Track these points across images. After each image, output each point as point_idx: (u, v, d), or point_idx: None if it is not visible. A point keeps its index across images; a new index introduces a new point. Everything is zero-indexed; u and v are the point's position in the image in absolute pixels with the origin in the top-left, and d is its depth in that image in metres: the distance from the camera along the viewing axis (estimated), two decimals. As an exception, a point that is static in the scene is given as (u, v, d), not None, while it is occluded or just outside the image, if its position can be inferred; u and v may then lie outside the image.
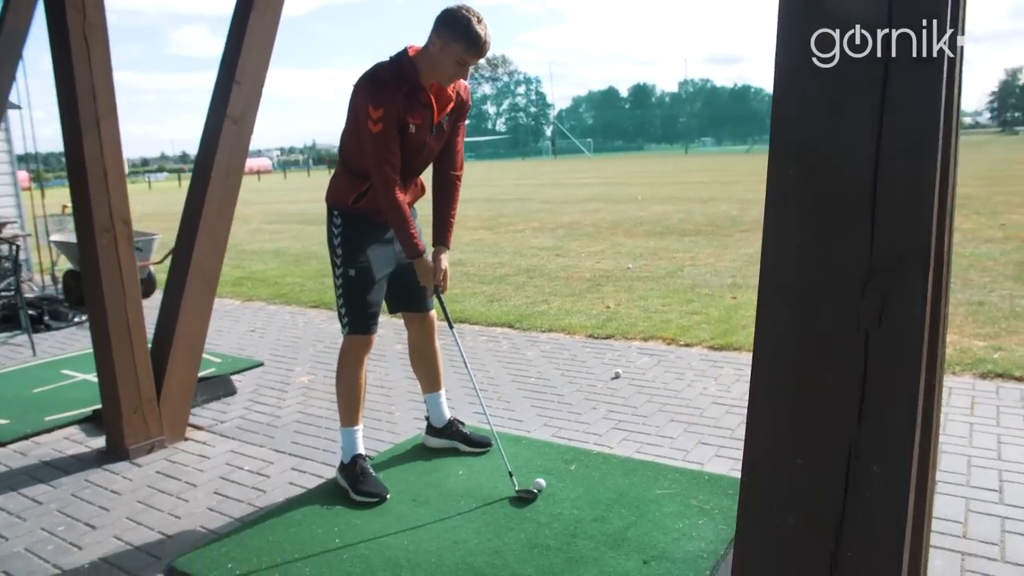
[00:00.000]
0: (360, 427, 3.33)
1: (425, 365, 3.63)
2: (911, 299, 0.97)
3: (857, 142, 1.08)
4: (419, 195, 3.42)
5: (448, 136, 3.26)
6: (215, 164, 3.89)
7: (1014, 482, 3.10)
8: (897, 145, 1.05)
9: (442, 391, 3.67)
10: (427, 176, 3.39)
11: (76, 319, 7.06)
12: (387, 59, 3.06)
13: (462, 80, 3.17)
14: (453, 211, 3.36)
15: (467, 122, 3.44)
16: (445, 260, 3.29)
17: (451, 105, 3.16)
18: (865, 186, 1.04)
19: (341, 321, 3.26)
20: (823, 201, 1.08)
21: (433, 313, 3.54)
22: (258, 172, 70.58)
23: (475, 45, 2.88)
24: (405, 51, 3.04)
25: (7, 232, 7.00)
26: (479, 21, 2.87)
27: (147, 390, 3.83)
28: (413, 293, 3.40)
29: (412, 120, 3.02)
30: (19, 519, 3.20)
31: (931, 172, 1.01)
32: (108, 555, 2.87)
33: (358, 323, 3.24)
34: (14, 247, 6.29)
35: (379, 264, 3.24)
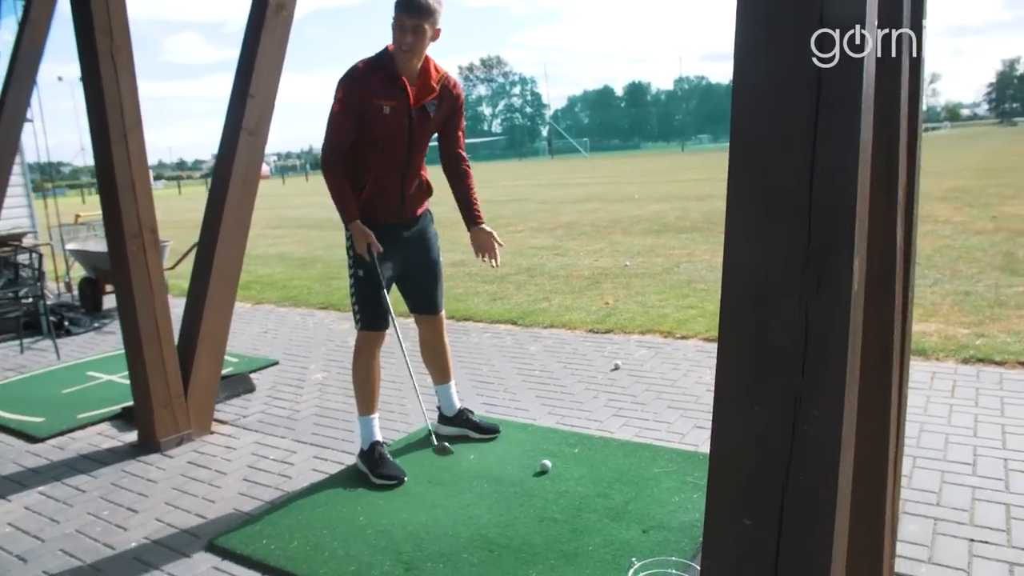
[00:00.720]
0: (376, 415, 3.57)
1: (436, 359, 3.88)
2: (840, 280, 1.20)
3: (797, 138, 1.27)
4: (427, 195, 3.64)
5: (444, 128, 3.53)
6: (232, 174, 4.10)
7: (987, 456, 3.31)
8: (828, 141, 1.25)
9: (452, 383, 3.91)
10: (435, 179, 3.63)
11: (95, 324, 7.30)
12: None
13: (449, 75, 3.46)
14: (472, 193, 3.63)
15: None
16: (486, 230, 3.56)
17: (433, 95, 3.40)
18: (803, 179, 1.25)
19: (354, 318, 3.52)
20: (771, 194, 1.29)
21: (443, 313, 3.79)
22: (257, 178, 70.24)
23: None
24: (387, 47, 3.35)
25: (27, 242, 7.23)
26: None
27: (175, 386, 4.07)
28: (424, 296, 3.67)
29: (386, 102, 3.30)
30: (67, 505, 3.44)
31: (853, 166, 1.23)
32: (152, 535, 3.12)
33: (369, 320, 3.49)
34: (35, 256, 6.52)
35: (385, 266, 3.47)
